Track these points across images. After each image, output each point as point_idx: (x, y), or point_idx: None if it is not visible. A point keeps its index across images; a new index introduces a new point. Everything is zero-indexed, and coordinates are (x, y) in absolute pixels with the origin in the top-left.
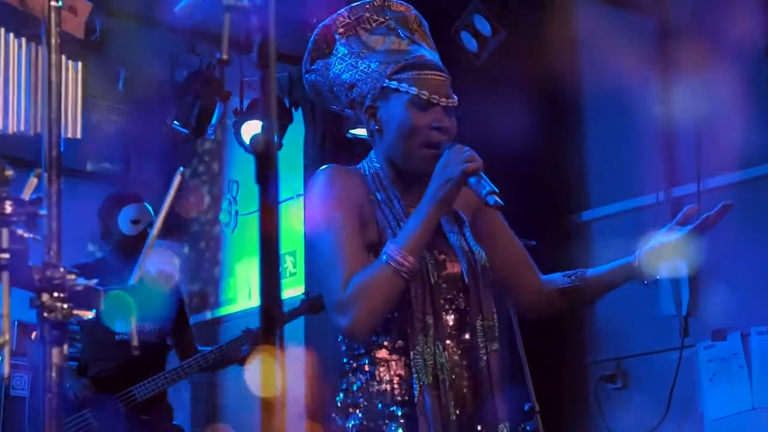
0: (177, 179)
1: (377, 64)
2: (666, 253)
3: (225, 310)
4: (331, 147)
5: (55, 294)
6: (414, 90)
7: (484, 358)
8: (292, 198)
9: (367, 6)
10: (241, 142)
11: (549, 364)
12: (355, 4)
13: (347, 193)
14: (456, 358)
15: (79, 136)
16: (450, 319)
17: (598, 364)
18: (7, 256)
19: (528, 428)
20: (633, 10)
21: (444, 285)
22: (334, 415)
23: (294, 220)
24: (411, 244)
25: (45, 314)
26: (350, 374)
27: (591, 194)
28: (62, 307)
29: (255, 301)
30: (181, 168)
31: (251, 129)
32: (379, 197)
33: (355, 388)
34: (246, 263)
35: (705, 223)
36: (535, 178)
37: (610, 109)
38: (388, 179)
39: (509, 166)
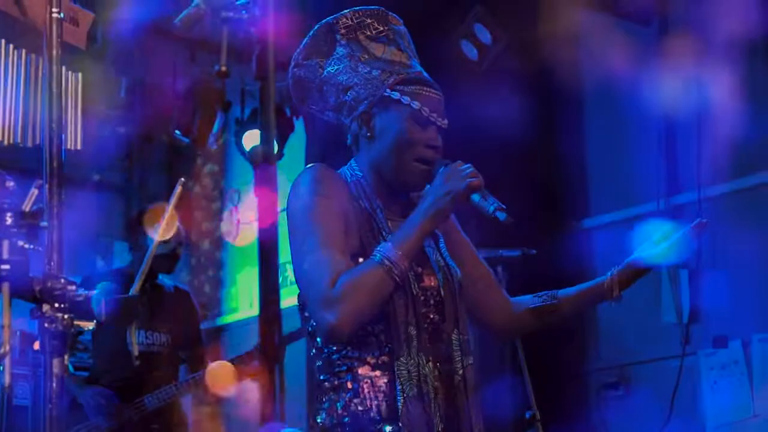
0: (178, 190)
1: (379, 71)
2: (639, 268)
3: (227, 319)
4: (332, 156)
5: (56, 305)
6: (416, 105)
7: (460, 371)
8: None
9: (369, 12)
10: (242, 152)
11: (551, 372)
12: (359, 8)
13: (335, 192)
14: (436, 372)
15: (79, 147)
16: (426, 331)
17: (600, 372)
18: (7, 267)
19: None
20: (630, 18)
21: (422, 297)
22: None
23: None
24: (406, 248)
25: (45, 325)
26: (331, 392)
27: (591, 202)
28: (63, 318)
29: (256, 310)
30: (182, 179)
31: (252, 138)
32: (363, 205)
33: (339, 408)
34: (248, 272)
35: (685, 236)
36: (535, 185)
37: (611, 114)
38: (371, 188)
39: (508, 172)
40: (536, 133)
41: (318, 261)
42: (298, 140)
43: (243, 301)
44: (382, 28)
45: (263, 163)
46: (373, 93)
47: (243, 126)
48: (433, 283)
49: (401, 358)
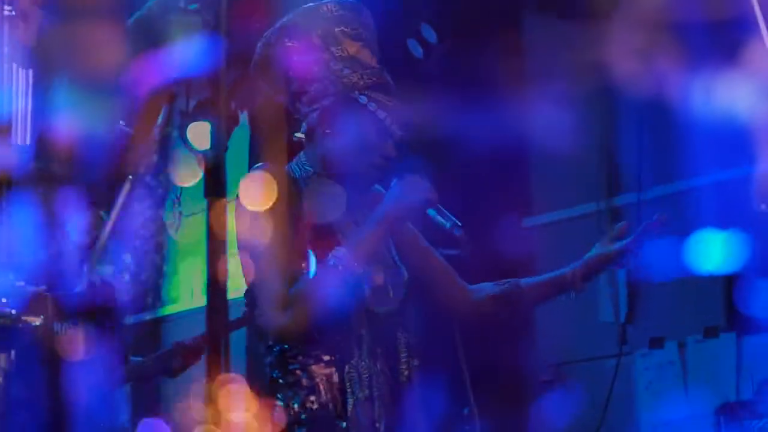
0: (126, 186)
1: (349, 71)
2: (602, 262)
3: (168, 310)
4: (274, 149)
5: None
6: (382, 114)
7: (406, 372)
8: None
9: (348, 5)
10: (186, 144)
11: (488, 368)
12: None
13: (283, 197)
14: (384, 373)
15: (28, 142)
16: (376, 332)
17: (536, 370)
18: None
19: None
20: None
21: (373, 298)
22: None
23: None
24: (361, 252)
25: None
26: (286, 389)
27: (533, 201)
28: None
29: (197, 302)
30: (130, 176)
31: (197, 130)
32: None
33: (295, 405)
34: (189, 263)
35: (646, 231)
36: (479, 184)
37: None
38: (323, 185)
39: (454, 172)
40: (481, 132)
41: (270, 264)
42: (242, 133)
43: (184, 292)
44: (356, 25)
45: (214, 166)
46: (341, 91)
47: (188, 118)
48: (380, 283)
49: (352, 361)
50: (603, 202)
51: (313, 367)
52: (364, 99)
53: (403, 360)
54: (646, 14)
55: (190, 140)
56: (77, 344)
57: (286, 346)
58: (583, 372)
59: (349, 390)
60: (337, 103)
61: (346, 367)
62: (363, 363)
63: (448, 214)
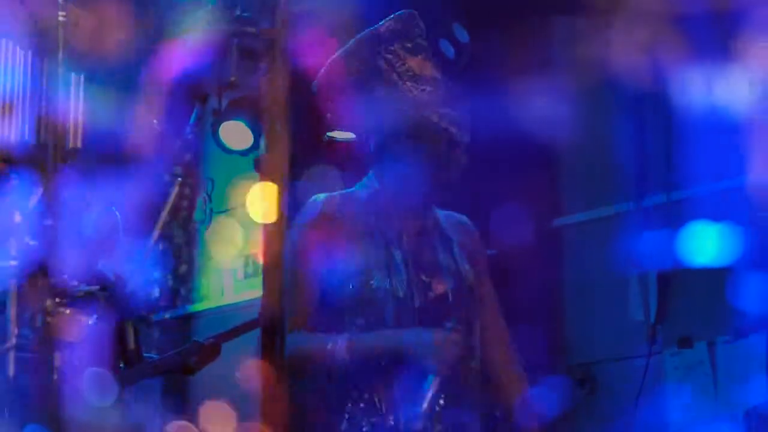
0: (175, 189)
1: (417, 89)
2: None
3: (197, 307)
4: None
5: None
6: (454, 130)
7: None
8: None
9: (404, 19)
10: (218, 143)
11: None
12: (398, 15)
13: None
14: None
15: (79, 145)
16: None
17: (566, 369)
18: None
19: None
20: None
21: (432, 308)
22: None
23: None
24: (359, 349)
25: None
26: (350, 404)
27: (563, 202)
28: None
29: (227, 299)
30: (179, 178)
31: (229, 129)
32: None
33: (358, 419)
34: (219, 260)
35: None
36: (507, 184)
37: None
38: (387, 204)
39: (480, 172)
40: (507, 132)
41: (299, 295)
42: None
43: (214, 289)
44: (414, 36)
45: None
46: (412, 110)
47: (220, 117)
48: (442, 291)
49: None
50: (633, 202)
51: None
52: (434, 116)
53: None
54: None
55: (222, 139)
56: (78, 329)
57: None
58: (613, 372)
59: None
60: (409, 122)
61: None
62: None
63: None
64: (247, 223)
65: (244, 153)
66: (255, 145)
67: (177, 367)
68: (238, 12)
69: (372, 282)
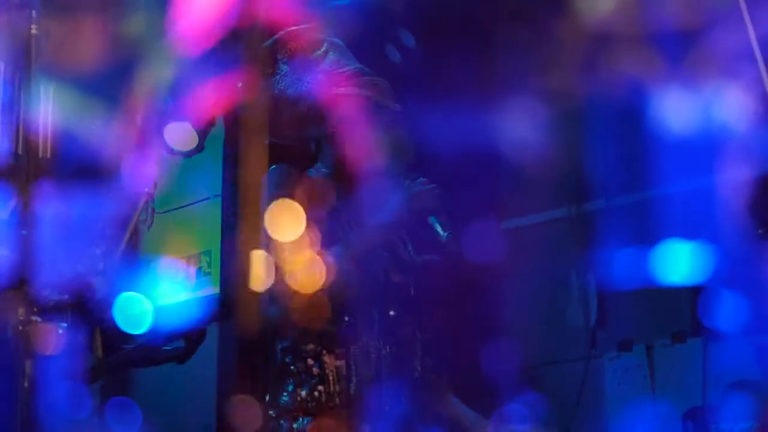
0: (143, 199)
1: (356, 78)
2: None
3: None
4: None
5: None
6: (395, 118)
7: (418, 368)
8: (209, 198)
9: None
10: (163, 144)
11: (461, 371)
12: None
13: (300, 195)
14: (394, 357)
15: (54, 156)
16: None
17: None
18: None
19: None
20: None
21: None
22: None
23: (210, 219)
24: (360, 248)
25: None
26: (296, 376)
27: (505, 206)
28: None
29: (169, 298)
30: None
31: (173, 129)
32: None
33: (303, 392)
34: (161, 260)
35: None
36: (458, 187)
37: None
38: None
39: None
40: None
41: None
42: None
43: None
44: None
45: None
46: (355, 99)
47: (164, 118)
48: (399, 281)
49: (360, 342)
50: (574, 207)
51: (325, 357)
52: (378, 103)
53: (417, 356)
54: (617, 24)
55: (167, 140)
56: (50, 338)
57: (300, 333)
58: (554, 375)
59: (353, 368)
60: (352, 109)
61: (352, 348)
62: (372, 344)
63: (446, 224)
64: (189, 223)
65: (187, 155)
66: (200, 147)
67: (171, 355)
68: None
69: None
